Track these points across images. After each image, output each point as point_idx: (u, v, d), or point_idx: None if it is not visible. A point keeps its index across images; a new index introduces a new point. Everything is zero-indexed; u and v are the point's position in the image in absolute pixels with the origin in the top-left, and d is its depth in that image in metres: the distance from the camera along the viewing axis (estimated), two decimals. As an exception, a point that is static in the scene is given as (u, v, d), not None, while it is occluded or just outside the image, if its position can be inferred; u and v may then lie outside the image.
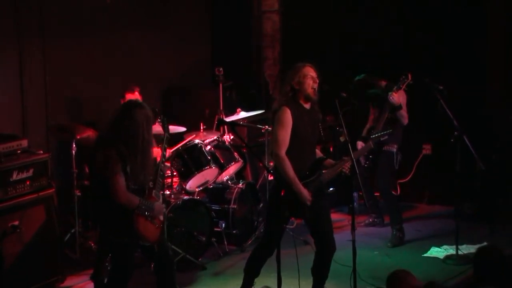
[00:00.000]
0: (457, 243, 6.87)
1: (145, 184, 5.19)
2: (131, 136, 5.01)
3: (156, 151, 6.03)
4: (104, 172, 4.95)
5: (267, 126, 7.44)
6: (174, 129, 7.37)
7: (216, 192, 7.47)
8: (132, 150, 5.00)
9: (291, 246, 6.07)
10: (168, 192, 6.91)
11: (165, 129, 5.84)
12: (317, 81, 5.62)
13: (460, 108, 7.36)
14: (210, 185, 7.36)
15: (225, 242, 7.20)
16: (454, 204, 7.21)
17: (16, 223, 5.94)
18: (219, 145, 7.41)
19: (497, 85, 8.40)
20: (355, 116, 7.78)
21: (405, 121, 7.30)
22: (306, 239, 6.80)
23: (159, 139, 6.34)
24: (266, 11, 9.75)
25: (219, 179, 7.41)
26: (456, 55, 8.37)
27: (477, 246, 7.02)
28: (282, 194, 5.54)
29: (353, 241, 5.40)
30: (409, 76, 7.07)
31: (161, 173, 5.39)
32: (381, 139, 6.12)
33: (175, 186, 7.15)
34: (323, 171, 5.67)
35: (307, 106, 5.66)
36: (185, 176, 7.06)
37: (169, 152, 6.82)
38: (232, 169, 7.49)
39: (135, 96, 7.06)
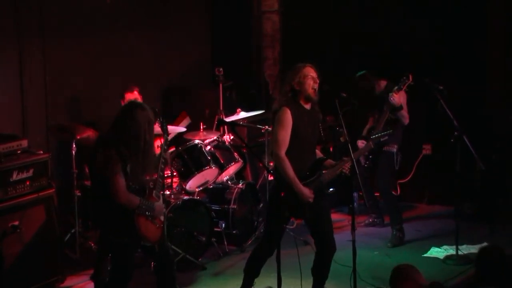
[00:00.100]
0: (457, 243, 6.87)
1: (146, 184, 5.19)
2: (132, 137, 5.01)
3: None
4: (104, 172, 4.95)
5: (267, 126, 7.44)
6: (174, 129, 7.37)
7: (216, 192, 7.47)
8: (133, 150, 5.00)
9: (291, 246, 6.08)
10: (168, 192, 6.91)
11: (164, 130, 5.85)
12: (318, 81, 5.62)
13: (460, 108, 7.37)
14: (210, 185, 7.36)
15: (225, 242, 7.20)
16: (454, 204, 7.21)
17: (16, 223, 5.94)
18: (219, 145, 7.41)
19: (497, 85, 8.40)
20: (355, 116, 7.78)
21: (406, 121, 7.31)
22: (306, 239, 6.80)
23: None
24: (266, 11, 9.75)
25: (219, 179, 7.41)
26: (456, 55, 8.37)
27: (477, 246, 7.03)
28: (282, 194, 5.54)
29: (353, 241, 5.40)
30: (410, 77, 7.06)
31: (161, 173, 5.38)
32: (381, 139, 6.12)
33: (175, 186, 7.15)
34: (323, 172, 5.68)
35: (307, 106, 5.66)
36: (185, 176, 7.06)
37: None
38: (232, 169, 7.49)
39: (135, 96, 7.07)
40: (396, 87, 7.11)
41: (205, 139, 7.31)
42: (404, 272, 4.57)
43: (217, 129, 7.85)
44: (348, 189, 6.38)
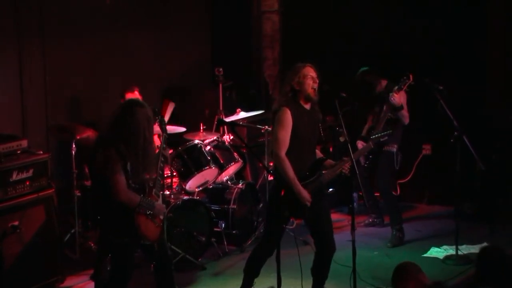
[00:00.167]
0: (456, 243, 6.87)
1: (146, 182, 5.19)
2: (132, 134, 5.01)
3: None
4: (104, 172, 4.95)
5: (266, 127, 7.44)
6: (174, 129, 7.37)
7: (215, 192, 7.47)
8: (133, 148, 5.00)
9: (291, 246, 6.07)
10: (168, 192, 6.91)
11: (163, 129, 5.85)
12: (317, 81, 5.61)
13: (460, 108, 7.36)
14: (210, 185, 7.36)
15: (225, 242, 7.20)
16: (454, 204, 7.21)
17: (16, 223, 5.94)
18: (218, 145, 7.41)
19: (497, 85, 8.39)
20: (355, 116, 7.78)
21: (406, 120, 7.31)
22: (306, 239, 6.80)
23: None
24: (266, 11, 9.75)
25: (219, 179, 7.41)
26: (456, 55, 8.37)
27: (477, 246, 7.03)
28: (282, 194, 5.54)
29: (353, 241, 5.39)
30: (411, 77, 7.05)
31: (160, 172, 5.38)
32: (381, 139, 6.11)
33: (174, 186, 7.15)
34: (323, 172, 5.67)
35: (307, 106, 5.66)
36: (185, 176, 7.06)
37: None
38: (232, 169, 7.49)
39: (135, 96, 7.06)
40: (396, 87, 7.11)
41: (205, 139, 7.31)
42: (407, 270, 4.57)
43: (217, 129, 7.85)
44: (348, 189, 6.38)
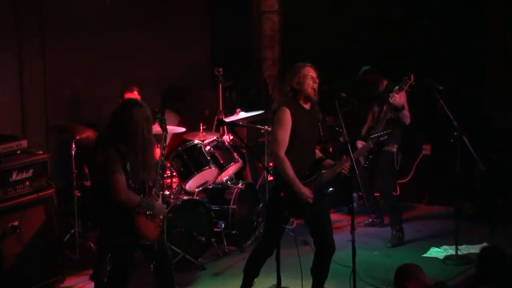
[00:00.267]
0: (456, 243, 6.87)
1: (146, 182, 5.19)
2: (131, 134, 5.01)
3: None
4: (104, 172, 4.95)
5: (266, 127, 7.44)
6: (174, 129, 7.37)
7: (215, 192, 7.47)
8: (132, 148, 5.00)
9: (291, 246, 6.07)
10: (167, 192, 6.91)
11: (163, 128, 5.84)
12: (317, 81, 5.62)
13: (460, 108, 7.36)
14: (210, 185, 7.36)
15: (225, 243, 7.20)
16: (454, 204, 7.21)
17: (16, 223, 5.94)
18: (218, 145, 7.41)
19: (497, 85, 8.40)
20: (354, 116, 7.77)
21: (408, 120, 7.31)
22: (305, 239, 6.80)
23: (158, 139, 6.33)
24: (266, 11, 9.75)
25: (219, 180, 7.41)
26: (456, 55, 8.37)
27: (476, 246, 7.03)
28: (282, 194, 5.54)
29: (353, 241, 5.40)
30: (412, 76, 7.05)
31: (160, 172, 5.38)
32: (381, 139, 6.11)
33: (174, 186, 7.15)
34: (323, 171, 5.67)
35: (307, 106, 5.66)
36: (185, 176, 7.06)
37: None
38: (232, 169, 7.49)
39: (134, 96, 7.06)
40: (397, 87, 7.11)
41: (204, 139, 7.31)
42: (409, 271, 4.58)
43: (217, 129, 7.85)
44: (347, 189, 6.38)
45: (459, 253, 6.86)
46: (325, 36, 9.02)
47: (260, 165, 7.79)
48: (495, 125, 8.16)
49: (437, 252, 7.11)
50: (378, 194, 7.91)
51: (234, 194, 7.28)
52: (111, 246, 5.21)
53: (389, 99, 7.08)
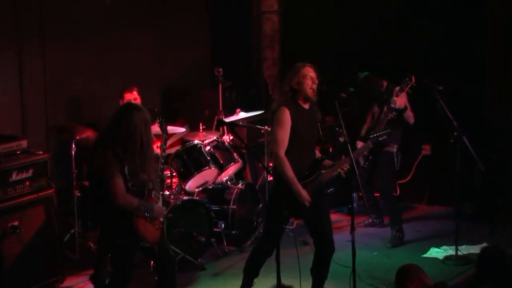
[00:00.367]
0: (456, 243, 6.87)
1: (145, 185, 5.19)
2: (129, 138, 5.00)
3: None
4: (103, 172, 4.95)
5: (266, 127, 7.44)
6: (174, 129, 7.37)
7: (215, 192, 7.47)
8: (130, 152, 4.99)
9: (291, 246, 6.07)
10: (167, 193, 6.90)
11: (164, 130, 5.84)
12: (317, 81, 5.61)
13: (460, 108, 7.36)
14: (210, 185, 7.36)
15: (225, 243, 7.20)
16: (454, 204, 7.21)
17: (16, 223, 5.94)
18: (218, 145, 7.41)
19: (497, 85, 8.39)
20: (354, 116, 7.78)
21: (412, 120, 7.32)
22: (305, 239, 6.80)
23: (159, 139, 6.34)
24: (266, 11, 9.75)
25: (219, 180, 7.41)
26: (456, 55, 8.37)
27: (476, 246, 7.03)
28: (282, 194, 5.54)
29: (353, 242, 5.40)
30: (413, 78, 7.03)
31: (160, 173, 5.38)
32: (380, 139, 6.11)
33: (174, 187, 7.15)
34: (322, 171, 5.67)
35: (306, 106, 5.66)
36: (185, 176, 7.06)
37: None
38: (232, 169, 7.49)
39: (134, 95, 7.07)
40: (398, 88, 7.11)
41: (204, 140, 7.31)
42: (410, 271, 4.59)
43: (217, 130, 7.84)
44: (347, 190, 6.38)
45: (459, 253, 6.86)
46: (325, 36, 9.02)
47: (260, 165, 7.79)
48: (495, 125, 8.16)
49: (437, 253, 7.10)
50: (378, 194, 7.91)
51: (234, 194, 7.28)
52: (111, 246, 5.21)
53: (390, 104, 7.08)
